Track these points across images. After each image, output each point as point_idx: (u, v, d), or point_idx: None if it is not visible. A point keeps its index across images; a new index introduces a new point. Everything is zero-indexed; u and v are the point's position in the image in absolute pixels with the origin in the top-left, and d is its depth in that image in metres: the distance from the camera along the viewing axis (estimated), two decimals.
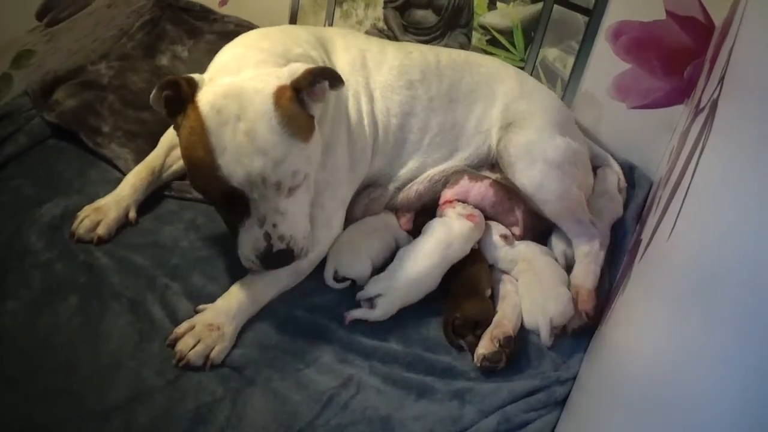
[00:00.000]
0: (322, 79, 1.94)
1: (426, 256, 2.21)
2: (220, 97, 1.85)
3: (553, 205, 2.35)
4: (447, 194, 2.42)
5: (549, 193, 2.33)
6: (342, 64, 2.30)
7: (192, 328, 1.95)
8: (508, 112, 2.42)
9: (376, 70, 2.37)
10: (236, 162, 1.83)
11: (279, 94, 1.88)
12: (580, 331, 2.16)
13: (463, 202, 2.40)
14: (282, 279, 2.12)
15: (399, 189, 2.43)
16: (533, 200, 2.36)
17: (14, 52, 2.63)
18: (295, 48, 2.13)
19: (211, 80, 1.92)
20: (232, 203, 1.91)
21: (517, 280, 2.32)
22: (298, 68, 1.92)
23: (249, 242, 1.95)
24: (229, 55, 2.07)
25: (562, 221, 2.38)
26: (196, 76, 1.92)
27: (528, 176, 2.34)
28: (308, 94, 1.93)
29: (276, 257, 1.96)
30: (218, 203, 1.99)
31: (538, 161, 2.32)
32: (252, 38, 2.19)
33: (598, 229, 2.38)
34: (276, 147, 1.84)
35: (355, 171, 2.31)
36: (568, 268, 2.37)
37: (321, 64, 2.17)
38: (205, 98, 1.87)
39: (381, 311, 2.12)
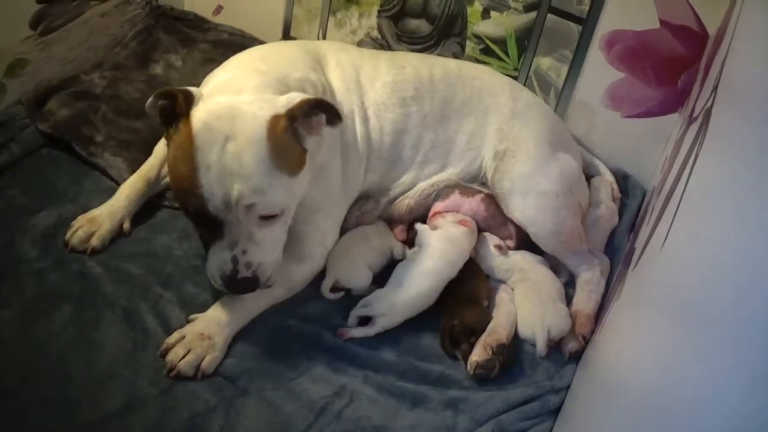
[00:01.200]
0: (318, 111, 1.90)
1: (429, 275, 2.21)
2: (214, 116, 1.82)
3: (548, 241, 2.36)
4: (438, 206, 2.42)
5: (542, 227, 2.34)
6: (336, 83, 2.28)
7: (183, 338, 1.95)
8: (501, 134, 2.41)
9: (370, 87, 2.35)
10: (218, 182, 1.80)
11: (273, 122, 1.84)
12: (578, 355, 2.15)
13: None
14: (275, 291, 2.11)
15: (390, 202, 2.43)
16: (528, 234, 2.37)
17: (8, 61, 2.62)
18: (294, 72, 2.10)
19: (208, 97, 1.88)
20: (208, 222, 1.88)
21: (512, 290, 2.32)
22: (295, 97, 1.88)
23: (216, 263, 1.92)
24: (228, 75, 2.02)
25: (559, 256, 2.38)
26: (194, 90, 1.89)
27: (521, 210, 2.34)
28: (304, 126, 1.90)
29: (240, 283, 1.93)
30: (194, 219, 1.95)
31: (531, 195, 2.33)
32: (249, 60, 2.14)
33: (597, 257, 2.38)
34: (259, 175, 1.81)
35: (348, 190, 2.31)
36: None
37: (321, 87, 2.16)
38: (199, 115, 1.84)
39: (380, 328, 2.13)
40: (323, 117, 1.91)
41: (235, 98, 1.87)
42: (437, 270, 2.21)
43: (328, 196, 2.21)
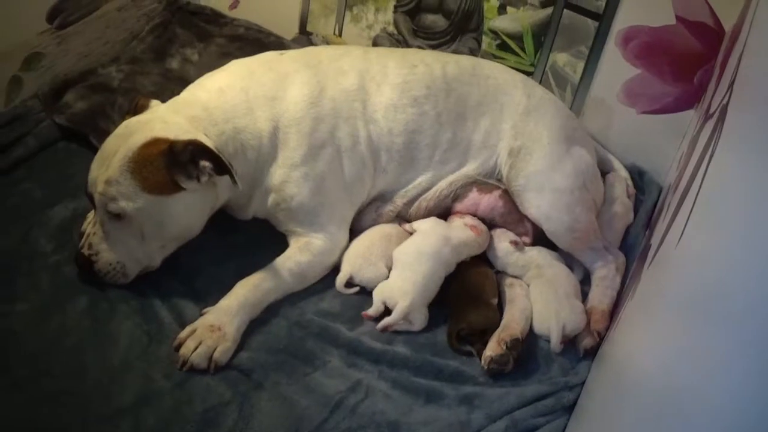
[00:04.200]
0: (205, 159, 1.99)
1: (423, 255, 2.23)
2: (134, 120, 2.08)
3: (563, 238, 2.36)
4: (457, 208, 2.43)
5: (557, 224, 2.34)
6: (334, 93, 2.27)
7: (194, 331, 1.96)
8: (516, 131, 2.40)
9: (376, 92, 2.33)
10: (95, 164, 2.02)
11: (153, 141, 1.99)
12: (592, 351, 2.15)
13: (473, 215, 2.42)
14: (286, 281, 2.15)
15: (409, 204, 2.42)
16: (544, 230, 2.37)
17: (24, 55, 2.63)
18: (241, 118, 2.16)
19: (174, 102, 2.18)
20: (90, 199, 2.05)
21: (528, 286, 2.32)
22: (194, 138, 2.01)
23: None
24: (202, 91, 2.20)
25: (574, 252, 2.38)
26: (152, 102, 2.18)
27: (536, 206, 2.34)
28: (193, 166, 2.00)
29: (78, 255, 2.06)
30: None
31: (546, 191, 2.33)
32: (227, 80, 2.23)
33: (612, 254, 2.37)
34: (115, 171, 1.96)
35: (351, 191, 2.32)
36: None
37: (268, 133, 2.19)
38: (132, 116, 2.12)
39: (419, 323, 2.16)
40: (209, 166, 2.00)
41: (163, 115, 2.09)
42: (432, 255, 2.23)
43: (327, 199, 2.26)
